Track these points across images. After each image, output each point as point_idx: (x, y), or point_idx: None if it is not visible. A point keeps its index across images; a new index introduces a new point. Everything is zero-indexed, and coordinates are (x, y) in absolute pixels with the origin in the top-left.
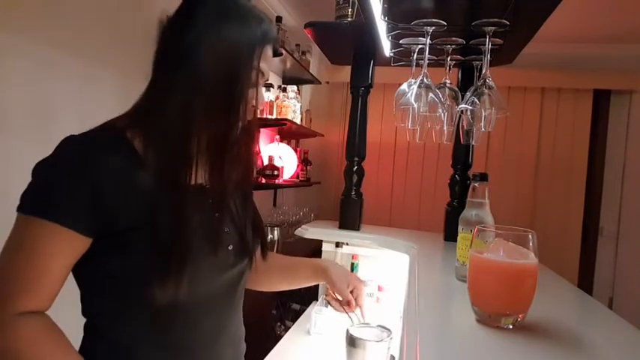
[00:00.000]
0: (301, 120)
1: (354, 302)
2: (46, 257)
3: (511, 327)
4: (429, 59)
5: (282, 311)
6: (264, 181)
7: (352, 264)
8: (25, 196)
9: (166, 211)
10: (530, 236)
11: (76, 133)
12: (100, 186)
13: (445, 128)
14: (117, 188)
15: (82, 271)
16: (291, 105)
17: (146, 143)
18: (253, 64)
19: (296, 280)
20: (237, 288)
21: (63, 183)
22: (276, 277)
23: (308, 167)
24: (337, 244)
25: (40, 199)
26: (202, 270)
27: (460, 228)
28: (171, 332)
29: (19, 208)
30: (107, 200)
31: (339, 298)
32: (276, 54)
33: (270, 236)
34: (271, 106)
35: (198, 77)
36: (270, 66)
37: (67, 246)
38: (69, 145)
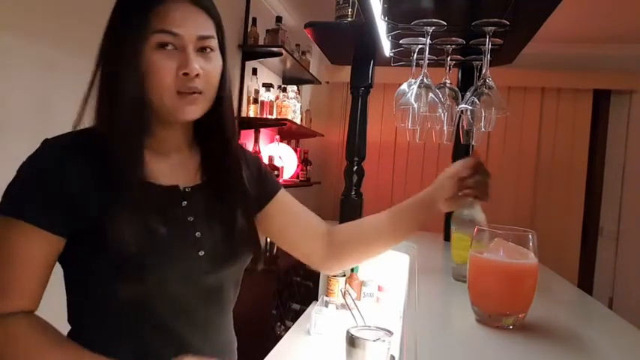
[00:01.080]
0: (301, 120)
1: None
2: (25, 259)
3: (511, 327)
4: (429, 59)
5: (282, 311)
6: None
7: None
8: (3, 197)
9: (123, 212)
10: (530, 236)
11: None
12: (68, 188)
13: (445, 128)
14: (84, 190)
15: (65, 273)
16: (291, 105)
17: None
18: (140, 34)
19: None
20: (220, 296)
21: (36, 185)
22: (367, 245)
23: (308, 167)
24: None
25: (15, 201)
26: (170, 276)
27: (453, 227)
28: (151, 341)
29: None
30: (75, 202)
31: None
32: (199, 4)
33: None
34: (271, 106)
35: (103, 67)
36: (186, 22)
37: (44, 246)
38: (44, 148)
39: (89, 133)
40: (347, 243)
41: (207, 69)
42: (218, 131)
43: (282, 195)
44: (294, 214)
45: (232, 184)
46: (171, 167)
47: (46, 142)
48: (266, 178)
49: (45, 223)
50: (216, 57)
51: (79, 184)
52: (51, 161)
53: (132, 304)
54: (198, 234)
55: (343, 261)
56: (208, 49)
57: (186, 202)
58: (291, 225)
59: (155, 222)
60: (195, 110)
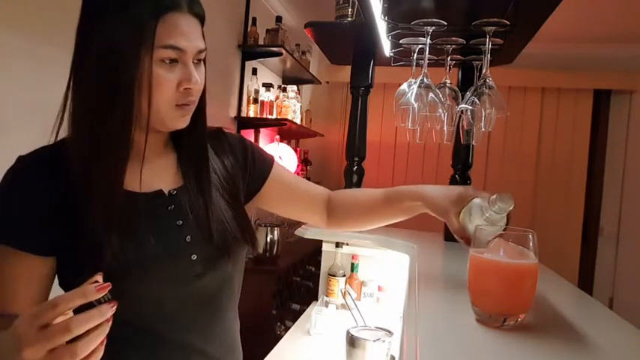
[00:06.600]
0: (301, 120)
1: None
2: (15, 281)
3: (511, 327)
4: (429, 59)
5: (282, 311)
6: None
7: (352, 264)
8: None
9: (109, 228)
10: (530, 236)
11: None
12: (49, 207)
13: (445, 128)
14: (65, 207)
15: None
16: (291, 105)
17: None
18: (145, 46)
19: (390, 213)
20: (213, 300)
21: (18, 209)
22: (361, 215)
23: (308, 167)
24: (337, 244)
25: (1, 227)
26: (164, 287)
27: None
28: (141, 349)
29: None
30: (58, 220)
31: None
32: (197, 15)
33: (270, 236)
34: (271, 106)
35: (85, 78)
36: (190, 35)
37: (37, 268)
38: (18, 168)
39: (64, 146)
40: (344, 212)
41: (200, 80)
42: (195, 135)
43: (276, 171)
44: (291, 186)
45: (210, 181)
46: (153, 172)
47: (20, 160)
48: (254, 158)
49: (33, 246)
50: (203, 67)
51: (60, 201)
52: (28, 182)
53: (126, 315)
54: (188, 238)
55: (344, 225)
56: (201, 60)
57: (173, 207)
58: (291, 198)
59: (144, 233)
60: (187, 120)
